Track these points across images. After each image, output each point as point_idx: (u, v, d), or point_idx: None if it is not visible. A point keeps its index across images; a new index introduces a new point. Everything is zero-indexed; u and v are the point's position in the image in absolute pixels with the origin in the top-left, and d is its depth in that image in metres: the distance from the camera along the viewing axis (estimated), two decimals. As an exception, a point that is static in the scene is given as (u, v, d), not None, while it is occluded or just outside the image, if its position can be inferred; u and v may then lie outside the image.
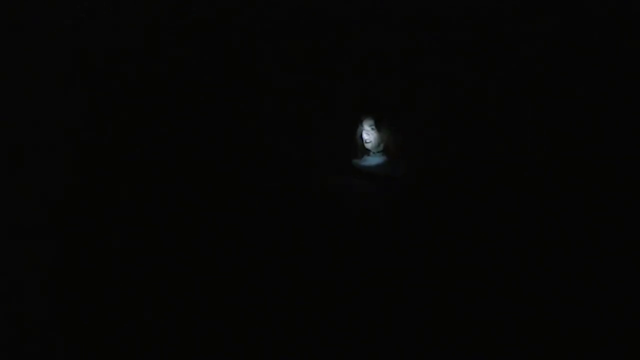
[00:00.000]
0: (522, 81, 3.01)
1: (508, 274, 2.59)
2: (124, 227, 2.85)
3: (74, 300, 2.67)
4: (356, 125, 2.94)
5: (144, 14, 3.11)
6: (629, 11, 2.98)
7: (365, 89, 3.13)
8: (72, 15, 3.08)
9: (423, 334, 2.56)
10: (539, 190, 2.79)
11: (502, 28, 3.09)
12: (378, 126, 2.92)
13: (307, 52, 3.16)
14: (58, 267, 2.73)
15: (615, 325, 2.48)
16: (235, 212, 2.89)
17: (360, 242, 2.73)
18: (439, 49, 3.12)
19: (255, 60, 3.17)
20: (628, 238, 2.65)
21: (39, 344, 2.58)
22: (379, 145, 2.93)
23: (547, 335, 2.51)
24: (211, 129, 3.09)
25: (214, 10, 3.16)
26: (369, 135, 2.91)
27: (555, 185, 2.80)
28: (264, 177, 2.98)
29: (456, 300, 2.57)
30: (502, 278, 2.58)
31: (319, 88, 3.14)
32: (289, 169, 3.00)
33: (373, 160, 2.93)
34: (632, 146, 2.85)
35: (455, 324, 2.54)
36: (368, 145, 2.91)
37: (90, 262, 2.75)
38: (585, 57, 3.00)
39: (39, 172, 2.88)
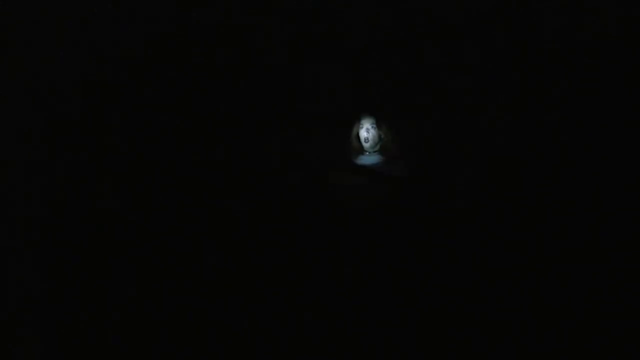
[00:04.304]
0: (521, 80, 3.01)
1: (507, 274, 2.58)
2: (123, 227, 2.86)
3: (72, 300, 2.68)
4: (354, 124, 2.94)
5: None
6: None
7: (363, 88, 3.13)
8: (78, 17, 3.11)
9: (422, 334, 2.55)
10: (538, 190, 2.79)
11: (502, 28, 3.10)
12: (379, 125, 2.90)
13: (304, 49, 3.17)
14: (57, 268, 2.74)
15: (616, 325, 2.48)
16: (231, 212, 2.90)
17: (358, 241, 2.73)
18: (437, 49, 3.12)
19: (251, 59, 3.19)
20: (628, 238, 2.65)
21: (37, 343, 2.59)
22: (376, 144, 2.91)
23: (547, 334, 2.50)
24: (209, 128, 3.10)
25: (208, 9, 3.18)
26: (368, 134, 2.90)
27: (554, 184, 2.80)
28: (262, 176, 2.99)
29: (455, 300, 2.57)
30: (501, 277, 2.58)
31: (317, 86, 3.15)
32: (287, 167, 3.01)
33: (369, 159, 2.92)
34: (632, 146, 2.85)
35: (454, 323, 2.54)
36: (367, 145, 2.90)
37: (90, 262, 2.76)
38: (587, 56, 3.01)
39: (39, 171, 2.90)
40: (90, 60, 3.11)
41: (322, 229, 2.80)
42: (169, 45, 3.17)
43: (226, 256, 2.78)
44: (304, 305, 2.63)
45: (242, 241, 2.81)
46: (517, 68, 3.06)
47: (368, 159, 2.92)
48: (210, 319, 2.63)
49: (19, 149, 2.94)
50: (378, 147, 2.91)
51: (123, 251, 2.78)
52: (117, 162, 3.01)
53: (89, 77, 3.11)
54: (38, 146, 2.98)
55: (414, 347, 2.52)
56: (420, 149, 3.00)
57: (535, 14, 3.10)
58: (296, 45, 3.18)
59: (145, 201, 2.93)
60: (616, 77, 3.00)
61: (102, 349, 2.58)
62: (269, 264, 2.74)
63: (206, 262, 2.77)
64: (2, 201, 2.84)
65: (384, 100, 3.11)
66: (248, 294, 2.68)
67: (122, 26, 3.14)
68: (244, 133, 3.12)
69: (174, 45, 3.18)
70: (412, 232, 2.74)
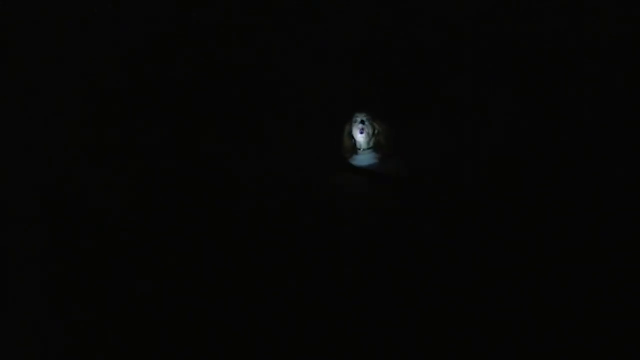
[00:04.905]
0: (519, 78, 3.02)
1: (507, 274, 2.58)
2: (124, 227, 2.86)
3: (72, 300, 2.68)
4: (346, 122, 2.93)
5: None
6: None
7: (357, 87, 3.14)
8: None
9: (422, 334, 2.55)
10: (537, 189, 2.79)
11: (502, 28, 3.10)
12: (371, 123, 2.88)
13: (304, 49, 3.18)
14: (57, 268, 2.75)
15: (616, 325, 2.48)
16: (231, 212, 2.90)
17: (356, 241, 2.73)
18: (433, 44, 3.13)
19: (251, 59, 3.19)
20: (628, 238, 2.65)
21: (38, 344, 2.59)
22: (370, 140, 2.89)
23: (547, 334, 2.50)
24: (209, 128, 3.10)
25: (208, 9, 3.18)
26: (364, 125, 2.87)
27: (554, 184, 2.80)
28: (262, 177, 2.99)
29: (453, 300, 2.57)
30: (501, 277, 2.58)
31: (318, 86, 3.16)
32: (286, 168, 3.01)
33: (364, 158, 2.91)
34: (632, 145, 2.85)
35: (454, 323, 2.54)
36: (361, 139, 2.88)
37: (89, 262, 2.76)
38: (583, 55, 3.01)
39: (39, 171, 2.90)
40: (90, 60, 3.11)
41: (322, 229, 2.80)
42: (169, 45, 3.17)
43: (226, 256, 2.78)
44: (304, 305, 2.63)
45: (242, 241, 2.81)
46: (517, 68, 3.06)
47: (363, 159, 2.90)
48: (210, 319, 2.63)
49: (18, 149, 2.94)
50: (372, 143, 2.89)
51: (123, 251, 2.78)
52: (117, 162, 3.01)
53: (88, 77, 3.11)
54: (38, 146, 2.98)
55: (414, 347, 2.51)
56: (420, 148, 2.99)
57: (535, 14, 3.10)
58: (296, 45, 3.19)
59: (145, 201, 2.93)
60: (616, 77, 3.00)
61: (102, 349, 2.58)
62: (269, 264, 2.74)
63: (206, 262, 2.77)
64: (2, 201, 2.84)
65: (383, 100, 3.11)
66: (248, 294, 2.68)
67: (122, 26, 3.14)
68: (244, 133, 3.12)
69: (174, 45, 3.18)
70: (412, 232, 2.74)
